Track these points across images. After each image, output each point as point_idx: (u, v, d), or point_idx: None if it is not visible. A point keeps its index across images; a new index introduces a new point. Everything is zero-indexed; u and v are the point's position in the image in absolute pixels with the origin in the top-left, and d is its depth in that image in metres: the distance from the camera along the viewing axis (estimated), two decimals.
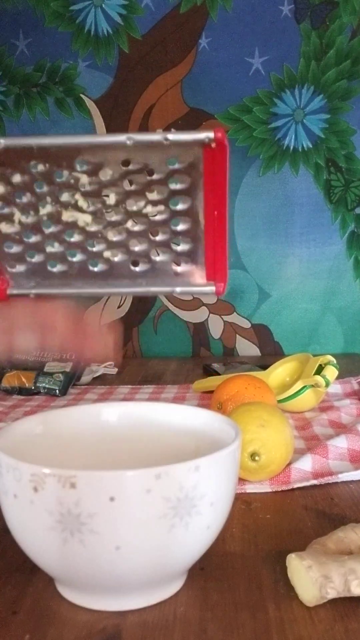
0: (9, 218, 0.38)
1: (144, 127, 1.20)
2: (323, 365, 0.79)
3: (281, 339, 1.25)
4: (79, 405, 0.55)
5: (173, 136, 0.34)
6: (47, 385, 0.91)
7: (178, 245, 0.38)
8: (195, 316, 1.25)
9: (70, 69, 1.19)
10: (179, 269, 0.39)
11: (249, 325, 1.25)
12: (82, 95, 1.20)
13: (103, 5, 1.16)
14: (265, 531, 0.48)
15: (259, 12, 1.15)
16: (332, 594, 0.37)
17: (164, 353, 1.25)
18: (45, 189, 0.37)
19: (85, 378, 0.99)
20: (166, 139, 0.34)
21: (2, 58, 1.19)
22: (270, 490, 0.55)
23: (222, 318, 1.25)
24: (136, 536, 0.35)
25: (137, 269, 0.39)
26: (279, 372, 0.86)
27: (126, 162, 0.36)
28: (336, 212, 1.20)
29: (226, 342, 1.26)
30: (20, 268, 0.40)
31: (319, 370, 0.79)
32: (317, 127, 1.18)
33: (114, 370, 1.06)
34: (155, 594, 0.39)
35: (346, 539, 0.42)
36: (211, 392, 0.76)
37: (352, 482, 0.57)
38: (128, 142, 0.35)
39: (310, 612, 0.37)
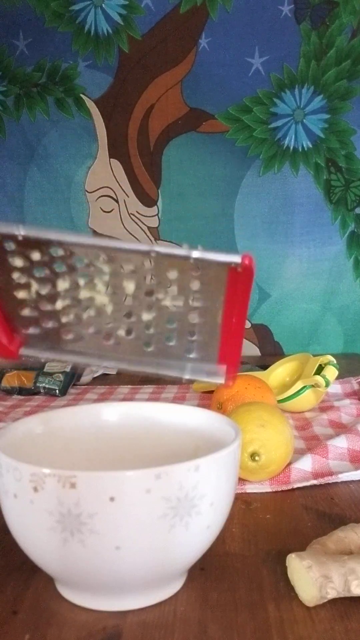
0: (25, 287, 0.38)
1: (144, 127, 1.20)
2: (323, 365, 0.79)
3: (281, 339, 1.25)
4: (79, 405, 0.55)
5: (200, 255, 0.33)
6: (47, 385, 0.91)
7: (192, 335, 0.38)
8: None
9: (70, 69, 1.19)
10: (190, 356, 0.39)
11: (249, 325, 1.25)
12: (82, 95, 1.20)
13: (103, 5, 1.16)
14: (265, 531, 0.48)
15: (259, 12, 1.15)
16: (332, 594, 0.37)
17: None
18: (63, 268, 0.37)
19: (85, 378, 0.99)
20: (191, 259, 0.34)
21: (2, 58, 1.19)
22: (270, 490, 0.55)
23: None
24: (136, 536, 0.35)
25: (149, 350, 0.39)
26: (279, 372, 0.86)
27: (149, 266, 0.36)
28: (336, 212, 1.20)
29: None
30: (33, 330, 0.40)
31: (319, 370, 0.79)
32: (317, 127, 1.18)
33: (114, 370, 1.06)
34: (155, 593, 0.39)
35: (346, 539, 0.42)
36: (211, 392, 0.76)
37: (352, 482, 0.57)
38: (152, 254, 0.34)
39: (310, 612, 0.37)
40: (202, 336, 0.38)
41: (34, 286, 0.38)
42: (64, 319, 0.39)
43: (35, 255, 0.36)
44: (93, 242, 0.36)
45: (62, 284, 0.38)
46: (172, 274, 0.35)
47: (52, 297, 0.38)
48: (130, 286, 0.37)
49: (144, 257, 0.35)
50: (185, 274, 0.35)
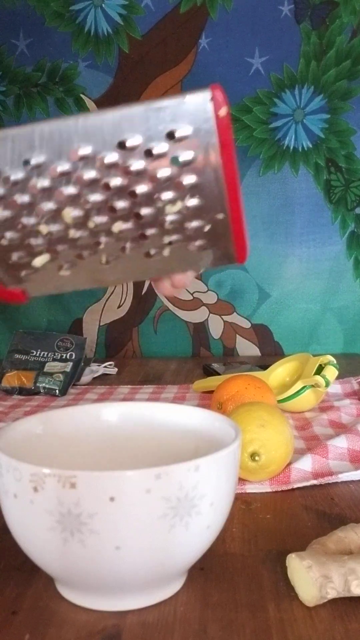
0: (9, 225, 0.36)
1: None
2: (323, 365, 0.79)
3: (281, 339, 1.25)
4: (79, 405, 0.55)
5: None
6: (47, 385, 0.91)
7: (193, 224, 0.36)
8: (195, 316, 1.25)
9: (70, 69, 1.19)
10: (197, 244, 0.37)
11: (249, 325, 1.25)
12: (82, 95, 1.20)
13: (103, 5, 1.16)
14: (265, 531, 0.48)
15: (259, 12, 1.15)
16: (332, 594, 0.37)
17: (164, 353, 1.25)
18: (43, 183, 0.35)
19: (85, 378, 0.99)
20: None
21: (2, 58, 1.19)
22: (270, 490, 0.55)
23: (222, 318, 1.25)
24: (136, 536, 0.35)
25: (152, 254, 0.38)
26: (279, 372, 0.86)
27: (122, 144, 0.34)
28: (336, 212, 1.20)
29: (226, 342, 1.26)
30: (32, 271, 0.39)
31: (319, 370, 0.79)
32: (317, 127, 1.18)
33: (114, 370, 1.06)
34: (155, 593, 0.39)
35: (346, 539, 0.42)
36: (211, 392, 0.76)
37: (352, 482, 0.57)
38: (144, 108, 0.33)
39: (311, 612, 0.37)
40: (205, 222, 0.36)
41: (18, 220, 0.36)
42: (59, 247, 0.37)
43: (15, 174, 0.34)
44: (63, 124, 0.34)
45: (47, 205, 0.35)
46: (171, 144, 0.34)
47: (38, 226, 0.36)
48: (113, 181, 0.35)
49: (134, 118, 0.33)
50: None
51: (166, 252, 0.38)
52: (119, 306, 1.25)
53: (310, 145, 1.18)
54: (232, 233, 0.37)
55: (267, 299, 1.23)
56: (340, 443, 0.62)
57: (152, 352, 1.26)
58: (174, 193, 0.36)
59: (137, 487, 0.34)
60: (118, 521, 0.34)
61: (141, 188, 0.35)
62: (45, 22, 1.17)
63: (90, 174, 0.35)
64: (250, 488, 0.55)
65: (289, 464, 0.58)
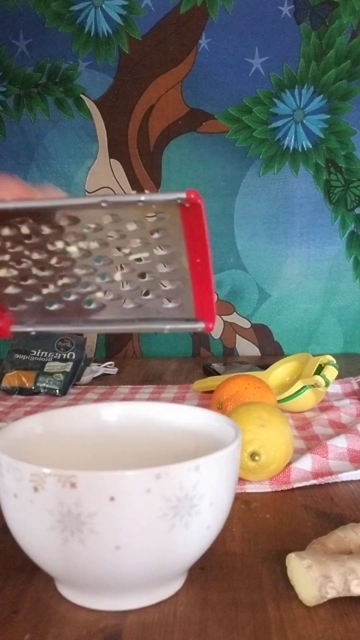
0: (4, 264, 0.40)
1: (144, 128, 1.20)
2: (323, 365, 0.79)
3: (281, 339, 1.25)
4: (79, 405, 0.55)
5: (146, 198, 0.36)
6: (47, 385, 0.91)
7: (165, 286, 0.40)
8: None
9: (70, 70, 1.19)
10: (169, 307, 0.41)
11: (249, 325, 1.25)
12: (82, 96, 1.20)
13: (103, 6, 1.17)
14: (265, 531, 0.48)
15: (259, 13, 1.15)
16: (331, 594, 0.37)
17: (164, 353, 1.25)
18: (33, 240, 0.39)
19: (85, 378, 0.99)
20: (140, 202, 0.36)
21: (2, 58, 1.19)
22: (270, 490, 0.55)
23: (222, 318, 1.25)
24: (136, 536, 0.35)
25: (130, 308, 0.41)
26: (279, 372, 0.86)
27: (106, 218, 0.38)
28: (336, 212, 1.20)
29: (226, 342, 1.26)
30: (21, 307, 0.42)
31: (319, 370, 0.79)
32: (317, 127, 1.18)
33: (114, 370, 1.06)
34: (155, 593, 0.39)
35: (346, 539, 0.42)
36: (211, 392, 0.76)
37: (352, 482, 0.57)
38: (103, 205, 0.36)
39: (310, 611, 0.37)
40: (174, 283, 0.40)
41: (12, 262, 0.40)
42: (45, 291, 0.41)
43: (5, 231, 0.38)
44: (45, 204, 0.37)
45: (37, 256, 0.40)
46: (132, 226, 0.37)
47: (30, 271, 0.40)
48: (96, 246, 0.39)
49: (98, 210, 0.37)
50: (143, 224, 0.37)
51: (139, 305, 0.41)
52: None
53: (310, 146, 1.18)
54: (193, 297, 0.40)
55: (267, 299, 1.23)
56: (340, 443, 0.62)
57: (152, 352, 1.26)
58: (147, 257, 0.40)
59: (137, 487, 0.34)
60: (118, 521, 0.34)
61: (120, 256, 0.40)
62: (45, 23, 1.17)
63: (75, 236, 0.39)
64: (250, 488, 0.55)
65: (289, 463, 0.58)
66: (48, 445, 0.44)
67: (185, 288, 0.39)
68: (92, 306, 0.41)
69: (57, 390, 0.91)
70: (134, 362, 1.18)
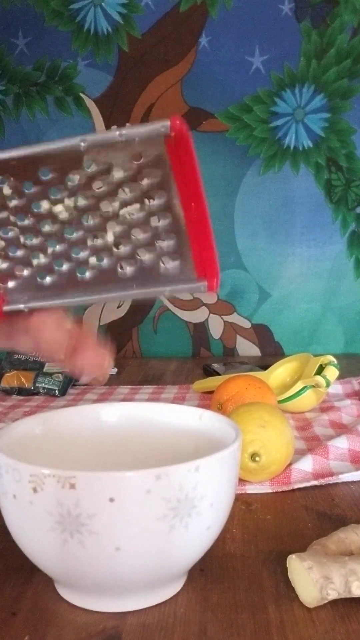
0: None
1: None
2: (323, 366, 0.79)
3: (282, 339, 1.25)
4: (79, 405, 0.55)
5: (127, 131, 0.33)
6: (46, 386, 0.91)
7: (162, 242, 0.37)
8: (195, 316, 1.25)
9: (69, 68, 1.19)
10: (167, 266, 0.38)
11: (249, 325, 1.24)
12: (81, 94, 1.19)
13: (103, 4, 1.16)
14: (266, 532, 0.48)
15: (260, 11, 1.15)
16: (332, 595, 0.37)
17: (164, 353, 1.25)
18: (17, 202, 0.37)
19: (85, 378, 0.99)
20: (121, 135, 0.33)
21: (1, 57, 1.19)
22: (270, 490, 0.55)
23: (222, 318, 1.25)
24: (136, 537, 0.34)
25: (126, 272, 0.38)
26: (280, 372, 0.86)
27: (88, 165, 0.35)
28: (337, 211, 1.20)
29: (226, 342, 1.25)
30: (11, 284, 0.40)
31: (320, 370, 0.78)
32: (318, 126, 1.17)
33: (114, 370, 1.06)
34: (155, 595, 0.38)
35: (347, 540, 0.41)
36: (211, 392, 0.76)
37: (352, 482, 0.57)
38: (82, 144, 0.34)
39: (311, 613, 0.37)
40: (170, 240, 0.37)
41: None
42: (35, 262, 0.39)
43: None
44: (22, 152, 0.35)
45: (22, 222, 0.37)
46: (117, 173, 0.35)
47: (18, 241, 0.38)
48: (83, 201, 0.36)
49: (79, 154, 0.35)
50: (129, 168, 0.35)
51: (137, 267, 0.39)
52: (119, 306, 1.25)
53: (311, 145, 1.18)
54: (193, 252, 0.37)
55: (268, 299, 1.23)
56: (341, 443, 0.62)
57: (152, 352, 1.26)
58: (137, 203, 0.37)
59: (137, 488, 0.34)
60: (118, 522, 0.34)
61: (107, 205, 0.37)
62: (44, 21, 1.17)
63: (60, 192, 0.37)
64: (250, 489, 0.55)
65: (290, 464, 0.58)
66: (47, 446, 0.44)
67: (184, 243, 0.36)
68: (87, 275, 0.39)
69: (57, 391, 0.91)
70: (134, 362, 1.18)
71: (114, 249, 0.38)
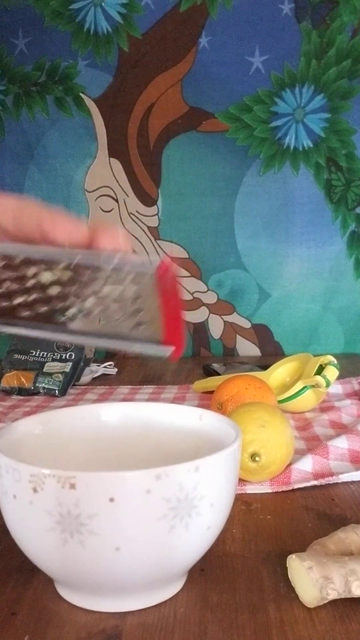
0: None
1: (143, 127, 1.19)
2: (323, 366, 0.79)
3: (281, 339, 1.25)
4: (79, 405, 0.55)
5: (118, 263, 0.37)
6: (46, 386, 0.91)
7: (136, 315, 0.40)
8: (195, 316, 1.25)
9: (69, 68, 1.19)
10: (138, 328, 0.41)
11: (249, 325, 1.24)
12: (81, 94, 1.19)
13: (103, 4, 1.16)
14: (266, 532, 0.48)
15: (260, 11, 1.15)
16: (332, 595, 0.37)
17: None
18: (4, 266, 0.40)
19: (85, 378, 0.99)
20: (108, 270, 0.37)
21: (1, 57, 1.19)
22: (270, 491, 0.55)
23: (222, 318, 1.25)
24: (136, 537, 0.34)
25: (101, 327, 0.41)
26: (280, 372, 0.86)
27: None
28: (337, 211, 1.20)
29: (226, 342, 1.25)
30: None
31: (320, 370, 0.78)
32: (318, 126, 1.17)
33: (114, 371, 1.06)
34: (155, 595, 0.38)
35: (347, 540, 0.41)
36: (211, 392, 0.76)
37: (352, 482, 0.57)
38: (73, 262, 0.37)
39: (311, 613, 0.37)
40: (144, 317, 0.40)
41: None
42: (15, 302, 0.40)
43: None
44: (12, 251, 0.38)
45: (8, 274, 0.39)
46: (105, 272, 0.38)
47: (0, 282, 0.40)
48: (67, 279, 0.39)
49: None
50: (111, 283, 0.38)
51: (112, 324, 0.41)
52: None
53: (311, 145, 1.18)
54: (163, 330, 0.40)
55: (268, 299, 1.23)
56: (341, 443, 0.62)
57: None
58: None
59: (137, 488, 0.34)
60: (118, 522, 0.34)
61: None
62: (44, 21, 1.17)
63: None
64: (250, 489, 0.55)
65: (290, 464, 0.58)
66: (47, 446, 0.44)
67: (155, 322, 0.40)
68: (63, 319, 0.41)
69: (57, 391, 0.91)
70: (134, 362, 1.18)
71: (92, 310, 0.40)
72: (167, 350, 0.40)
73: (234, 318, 1.24)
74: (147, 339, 0.40)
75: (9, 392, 0.92)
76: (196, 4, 1.15)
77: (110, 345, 0.41)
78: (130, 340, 0.40)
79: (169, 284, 0.38)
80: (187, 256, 1.22)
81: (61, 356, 0.98)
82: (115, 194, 1.22)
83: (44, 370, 0.94)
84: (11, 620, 0.37)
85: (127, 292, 0.38)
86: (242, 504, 0.52)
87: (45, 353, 0.98)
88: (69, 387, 0.93)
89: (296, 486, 0.55)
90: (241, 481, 0.56)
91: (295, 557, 0.39)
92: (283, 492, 0.55)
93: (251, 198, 1.20)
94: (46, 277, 0.39)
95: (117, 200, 1.22)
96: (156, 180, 1.21)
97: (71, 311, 0.40)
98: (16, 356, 0.98)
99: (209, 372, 1.02)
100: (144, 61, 1.18)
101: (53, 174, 1.21)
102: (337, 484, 0.56)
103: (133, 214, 1.23)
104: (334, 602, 0.38)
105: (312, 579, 0.37)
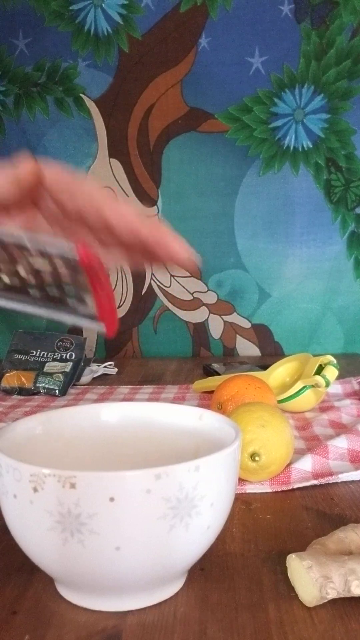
0: None
1: (144, 127, 1.20)
2: (323, 365, 0.79)
3: (281, 339, 1.25)
4: (79, 405, 0.55)
5: (38, 248, 0.40)
6: (46, 385, 0.91)
7: (70, 292, 0.42)
8: (195, 316, 1.25)
9: (70, 69, 1.19)
10: (76, 306, 0.43)
11: (249, 325, 1.25)
12: (82, 95, 1.20)
13: (103, 5, 1.16)
14: (266, 531, 0.48)
15: (259, 12, 1.15)
16: (332, 594, 0.37)
17: (164, 353, 1.25)
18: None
19: (85, 378, 0.99)
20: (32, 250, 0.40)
21: (1, 57, 1.19)
22: (270, 490, 0.55)
23: (222, 318, 1.25)
24: (136, 537, 0.35)
25: (42, 298, 0.43)
26: (279, 372, 0.86)
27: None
28: (336, 212, 1.20)
29: (226, 342, 1.26)
30: None
31: (319, 370, 0.78)
32: (317, 126, 1.18)
33: (114, 370, 1.06)
34: (155, 594, 0.39)
35: (346, 539, 0.41)
36: (211, 392, 0.76)
37: (352, 482, 0.57)
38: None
39: (311, 612, 0.37)
40: (77, 293, 0.42)
41: None
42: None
43: None
44: None
45: None
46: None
47: None
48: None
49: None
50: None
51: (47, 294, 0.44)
52: (119, 306, 1.25)
53: (311, 145, 1.18)
54: (97, 308, 0.43)
55: (267, 299, 1.23)
56: (341, 443, 0.62)
57: (152, 352, 1.26)
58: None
59: (137, 488, 0.34)
60: (118, 521, 0.34)
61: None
62: (45, 22, 1.17)
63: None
64: (250, 488, 0.55)
65: (289, 464, 0.58)
66: (48, 446, 0.44)
67: (87, 299, 0.42)
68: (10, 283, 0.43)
69: (57, 391, 0.91)
70: (134, 362, 1.18)
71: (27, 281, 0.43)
72: (101, 326, 0.43)
73: (233, 318, 1.24)
74: (83, 314, 0.43)
75: (9, 391, 0.92)
76: (196, 5, 1.15)
77: (44, 314, 0.43)
78: (68, 313, 0.43)
79: (94, 266, 0.40)
80: None
81: (61, 356, 0.98)
82: (116, 195, 1.22)
83: (45, 370, 0.94)
84: (11, 619, 0.37)
85: (61, 271, 0.41)
86: (242, 504, 0.52)
87: (46, 353, 0.99)
88: (69, 387, 0.93)
89: (296, 486, 0.55)
90: (241, 481, 0.56)
91: (295, 557, 0.39)
92: (283, 491, 0.55)
93: (251, 198, 1.20)
94: None
95: None
96: (156, 181, 1.21)
97: (3, 278, 0.42)
98: (16, 356, 0.98)
99: (209, 372, 1.02)
100: (144, 62, 1.18)
101: None
102: (336, 483, 0.56)
103: None
104: (333, 602, 0.38)
105: (311, 578, 0.37)
